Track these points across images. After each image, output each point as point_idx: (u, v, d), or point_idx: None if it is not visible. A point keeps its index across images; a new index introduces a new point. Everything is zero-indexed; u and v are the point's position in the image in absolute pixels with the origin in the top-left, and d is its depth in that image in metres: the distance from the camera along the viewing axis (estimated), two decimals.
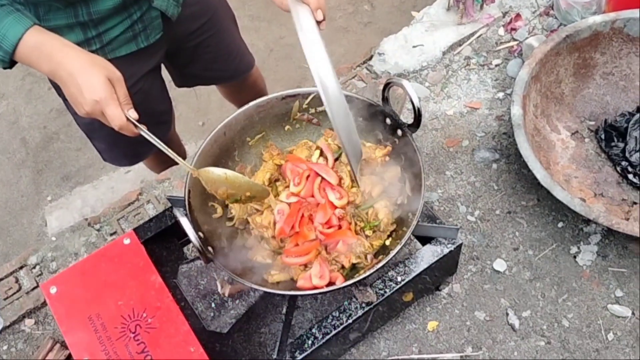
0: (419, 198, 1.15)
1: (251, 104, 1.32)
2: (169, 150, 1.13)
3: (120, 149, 1.72)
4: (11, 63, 1.12)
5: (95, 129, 1.59)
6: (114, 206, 1.64)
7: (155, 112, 1.66)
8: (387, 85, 1.22)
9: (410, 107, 1.16)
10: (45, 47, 1.08)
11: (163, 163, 1.94)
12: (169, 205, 1.61)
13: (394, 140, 1.28)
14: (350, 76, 1.89)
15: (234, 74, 1.90)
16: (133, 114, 1.09)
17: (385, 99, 1.24)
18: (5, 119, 2.93)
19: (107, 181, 2.64)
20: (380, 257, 1.17)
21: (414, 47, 1.90)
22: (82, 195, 2.58)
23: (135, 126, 1.09)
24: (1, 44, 1.07)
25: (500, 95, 1.79)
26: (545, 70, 1.65)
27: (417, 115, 1.16)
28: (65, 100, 1.41)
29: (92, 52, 1.22)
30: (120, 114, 1.07)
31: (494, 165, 1.65)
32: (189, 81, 1.87)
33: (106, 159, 1.80)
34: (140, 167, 2.72)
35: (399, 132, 1.25)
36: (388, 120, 1.26)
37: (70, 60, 1.07)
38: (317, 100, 1.34)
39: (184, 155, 2.06)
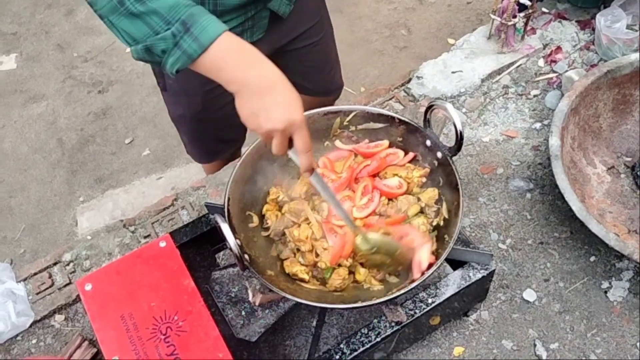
0: (456, 221, 1.16)
1: None
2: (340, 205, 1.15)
3: (201, 146, 1.80)
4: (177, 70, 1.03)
5: (185, 122, 1.65)
6: (150, 210, 1.67)
7: (236, 122, 1.67)
8: (430, 108, 1.23)
9: (448, 131, 1.18)
10: (248, 53, 1.02)
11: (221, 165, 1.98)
12: (203, 211, 1.64)
13: (432, 163, 1.29)
14: (387, 97, 1.91)
15: (324, 89, 1.89)
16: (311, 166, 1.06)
17: (426, 121, 1.25)
18: (44, 119, 3.00)
19: (138, 186, 2.68)
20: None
21: (452, 72, 1.91)
22: (113, 198, 2.62)
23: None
24: (198, 37, 0.98)
25: (537, 125, 1.79)
26: (584, 104, 1.66)
27: (459, 139, 1.17)
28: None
29: None
30: (309, 143, 1.03)
31: (528, 195, 1.65)
32: None
33: (188, 152, 1.86)
34: (172, 174, 2.77)
35: (439, 154, 1.25)
36: (428, 142, 1.27)
37: (275, 73, 1.02)
38: (358, 118, 1.36)
39: (238, 155, 2.06)
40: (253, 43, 1.43)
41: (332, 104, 2.01)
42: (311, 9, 1.61)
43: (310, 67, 1.77)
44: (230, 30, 1.34)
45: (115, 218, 2.50)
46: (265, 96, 1.00)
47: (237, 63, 1.01)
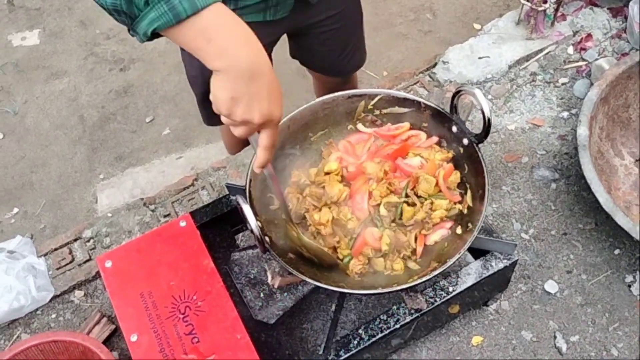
0: (480, 209, 1.14)
1: (317, 100, 1.32)
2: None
3: (209, 108, 1.76)
4: (155, 35, 0.90)
5: (197, 83, 1.63)
6: (170, 189, 1.67)
7: None
8: (457, 94, 1.21)
9: (472, 117, 1.15)
10: (244, 30, 0.92)
11: (245, 142, 1.95)
12: (224, 192, 1.64)
13: (458, 149, 1.26)
14: (412, 82, 1.88)
15: (342, 70, 1.87)
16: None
17: (453, 107, 1.23)
18: (65, 96, 3.00)
19: (158, 165, 2.68)
20: (434, 264, 1.16)
21: (479, 58, 1.88)
22: (133, 176, 2.63)
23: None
24: None
25: (565, 114, 1.75)
26: (614, 93, 1.62)
27: (487, 126, 1.15)
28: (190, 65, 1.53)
29: None
30: (276, 138, 0.98)
31: (553, 185, 1.62)
32: (301, 59, 1.85)
33: (200, 112, 1.77)
34: (192, 154, 2.77)
35: (465, 141, 1.23)
36: (454, 129, 1.25)
37: (266, 60, 0.93)
38: (383, 102, 1.33)
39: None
40: (276, 21, 1.45)
41: (346, 83, 2.00)
42: None
43: (329, 49, 1.74)
44: (252, 5, 1.36)
45: (135, 196, 2.50)
46: (252, 83, 0.91)
47: (231, 36, 0.90)
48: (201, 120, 1.93)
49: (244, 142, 2.03)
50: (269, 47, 1.62)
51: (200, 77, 1.62)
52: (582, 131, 1.50)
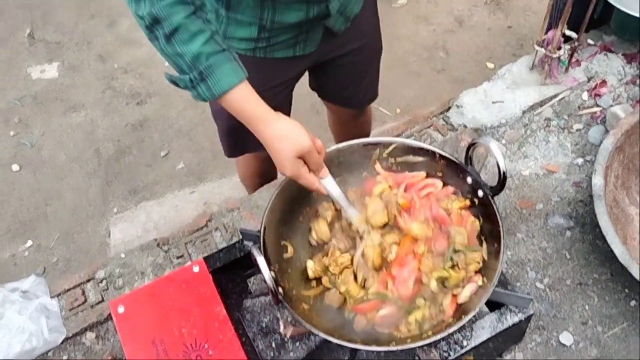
0: (496, 265, 1.13)
1: (332, 148, 1.33)
2: (348, 202, 1.27)
3: (232, 141, 1.85)
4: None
5: (221, 117, 1.73)
6: (183, 229, 1.67)
7: None
8: (472, 145, 1.21)
9: (487, 162, 1.15)
10: (246, 110, 1.18)
11: (261, 178, 2.05)
12: (237, 235, 1.64)
13: (473, 200, 1.26)
14: (426, 125, 1.89)
15: (360, 102, 1.98)
16: (324, 175, 1.23)
17: (468, 159, 1.23)
18: (82, 129, 3.04)
19: (172, 199, 2.70)
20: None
21: (493, 102, 1.88)
22: (146, 210, 2.65)
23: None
24: (213, 88, 1.13)
25: (579, 161, 1.75)
26: (630, 142, 1.61)
27: (502, 179, 1.15)
28: None
29: (257, 49, 1.46)
30: (312, 183, 1.20)
31: (568, 233, 1.61)
32: (320, 91, 1.95)
33: (222, 144, 1.90)
34: (205, 189, 2.78)
35: (480, 193, 1.23)
36: (469, 180, 1.25)
37: (263, 133, 1.18)
38: (398, 151, 1.34)
39: (274, 176, 2.10)
40: (303, 55, 1.52)
41: (360, 116, 2.04)
42: (364, 27, 1.65)
43: (349, 81, 1.81)
44: (283, 42, 1.47)
45: (148, 230, 2.52)
46: (271, 147, 1.18)
47: (239, 115, 1.19)
48: (215, 154, 1.98)
49: (259, 178, 2.05)
50: (294, 81, 1.70)
51: (225, 111, 1.65)
52: (598, 180, 1.50)
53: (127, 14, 3.62)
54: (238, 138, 1.81)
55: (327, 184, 1.23)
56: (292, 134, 1.16)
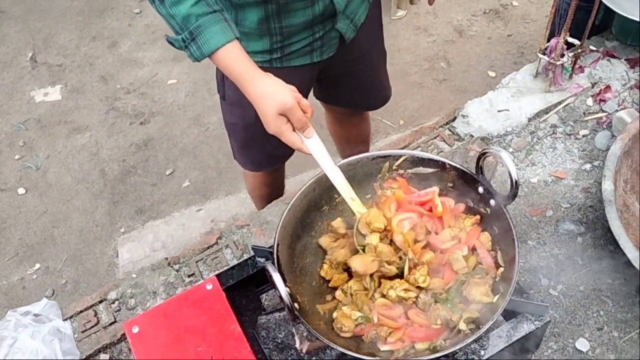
0: (511, 274, 1.13)
1: (342, 162, 1.33)
2: (342, 177, 1.25)
3: (247, 155, 1.91)
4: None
5: (236, 131, 1.80)
6: (194, 248, 1.67)
7: None
8: (483, 155, 1.21)
9: (497, 172, 1.14)
10: (234, 69, 1.23)
11: (269, 188, 2.09)
12: (248, 251, 1.64)
13: (485, 210, 1.26)
14: (432, 136, 1.89)
15: (374, 103, 2.08)
16: (309, 135, 1.22)
17: (479, 169, 1.23)
18: (87, 150, 3.05)
19: (178, 217, 2.70)
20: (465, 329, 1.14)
21: (499, 111, 1.89)
22: (154, 229, 2.65)
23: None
24: (202, 47, 1.21)
25: (587, 166, 1.75)
26: (637, 146, 1.61)
27: (514, 188, 1.15)
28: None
29: (273, 59, 1.51)
30: (294, 141, 1.20)
31: (579, 239, 1.60)
32: (328, 98, 2.01)
33: (235, 158, 1.97)
34: (212, 206, 2.78)
35: (492, 202, 1.23)
36: (480, 189, 1.25)
37: (249, 92, 1.22)
38: (407, 163, 1.34)
39: (282, 192, 2.14)
40: (322, 60, 1.59)
41: (362, 122, 2.17)
42: (371, 33, 1.73)
43: (356, 86, 1.88)
44: (300, 49, 1.51)
45: (156, 250, 2.52)
46: (257, 105, 1.21)
47: (227, 74, 1.25)
48: (220, 172, 2.03)
49: (267, 189, 2.07)
50: (309, 91, 1.76)
51: (240, 124, 1.69)
52: (607, 186, 1.49)
53: (128, 34, 3.65)
54: (256, 155, 1.87)
55: (311, 144, 1.22)
56: (275, 91, 1.19)
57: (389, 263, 1.22)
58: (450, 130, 1.91)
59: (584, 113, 1.88)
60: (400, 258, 1.24)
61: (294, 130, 1.21)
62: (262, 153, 1.87)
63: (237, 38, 1.24)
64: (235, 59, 1.23)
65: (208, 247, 1.68)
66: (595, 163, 1.76)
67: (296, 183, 2.47)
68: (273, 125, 1.20)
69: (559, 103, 1.89)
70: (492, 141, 1.84)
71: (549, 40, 1.86)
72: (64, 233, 2.71)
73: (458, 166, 1.27)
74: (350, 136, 2.26)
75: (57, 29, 3.77)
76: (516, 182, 1.14)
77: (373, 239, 1.24)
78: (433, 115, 3.04)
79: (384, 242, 1.25)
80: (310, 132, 1.22)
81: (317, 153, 1.23)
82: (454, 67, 3.33)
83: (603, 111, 1.87)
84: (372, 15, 1.69)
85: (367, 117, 2.23)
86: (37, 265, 2.63)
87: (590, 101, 1.90)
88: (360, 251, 1.24)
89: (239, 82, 1.24)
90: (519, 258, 1.54)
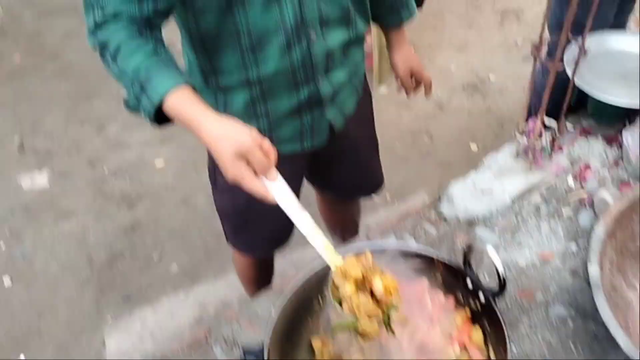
0: None
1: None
2: (312, 224, 1.11)
3: (241, 240, 1.88)
4: (160, 118, 1.15)
5: (228, 217, 1.79)
6: (182, 345, 1.64)
7: (280, 224, 1.65)
8: (469, 249, 1.23)
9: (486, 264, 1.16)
10: (185, 113, 1.11)
11: (258, 270, 2.08)
12: (238, 347, 1.61)
13: (475, 303, 1.26)
14: (418, 218, 1.91)
15: (365, 191, 2.10)
16: (271, 178, 1.09)
17: (467, 262, 1.24)
18: (74, 237, 3.04)
19: (166, 304, 2.66)
20: None
21: (482, 193, 1.92)
22: (141, 317, 2.60)
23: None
24: (151, 97, 1.11)
25: (573, 247, 1.77)
26: (621, 227, 1.64)
27: (502, 283, 1.16)
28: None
29: None
30: (257, 187, 1.07)
31: (570, 323, 1.60)
32: (319, 183, 2.05)
33: (228, 241, 1.93)
34: (200, 290, 2.76)
35: (481, 296, 1.23)
36: (469, 283, 1.26)
37: (202, 136, 1.10)
38: (397, 256, 1.35)
39: (270, 278, 2.14)
40: (312, 147, 1.60)
41: (353, 206, 2.13)
42: (359, 126, 1.76)
43: (351, 174, 1.91)
44: (290, 136, 1.52)
45: (144, 340, 2.47)
46: (211, 150, 1.09)
47: (184, 121, 1.12)
48: (208, 254, 2.05)
49: (257, 276, 2.06)
50: (302, 175, 1.78)
51: (230, 208, 1.70)
52: (594, 270, 1.50)
53: (116, 117, 3.70)
54: (248, 239, 1.86)
55: (276, 188, 1.09)
56: (230, 131, 1.07)
57: (369, 316, 1.13)
58: (436, 212, 1.93)
59: (566, 192, 1.91)
60: (383, 311, 1.15)
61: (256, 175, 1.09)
62: (256, 238, 1.88)
63: (190, 84, 1.15)
64: (187, 101, 1.11)
65: (199, 346, 1.65)
66: (580, 242, 1.78)
67: (285, 263, 2.46)
68: (232, 169, 1.06)
69: (541, 183, 1.93)
70: (478, 224, 1.85)
71: (527, 120, 1.92)
72: (50, 325, 2.66)
73: (445, 261, 1.28)
74: (340, 220, 2.28)
75: (44, 113, 3.81)
76: (504, 278, 1.15)
77: (348, 288, 1.12)
78: (419, 188, 3.08)
79: (364, 293, 1.14)
80: (273, 174, 1.09)
81: (282, 199, 1.10)
82: (437, 140, 3.40)
83: (584, 189, 1.90)
84: (363, 105, 1.73)
85: (358, 201, 2.25)
86: (22, 357, 2.56)
87: (571, 180, 1.94)
88: (337, 305, 1.15)
89: (191, 126, 1.11)
90: (512, 345, 1.54)
